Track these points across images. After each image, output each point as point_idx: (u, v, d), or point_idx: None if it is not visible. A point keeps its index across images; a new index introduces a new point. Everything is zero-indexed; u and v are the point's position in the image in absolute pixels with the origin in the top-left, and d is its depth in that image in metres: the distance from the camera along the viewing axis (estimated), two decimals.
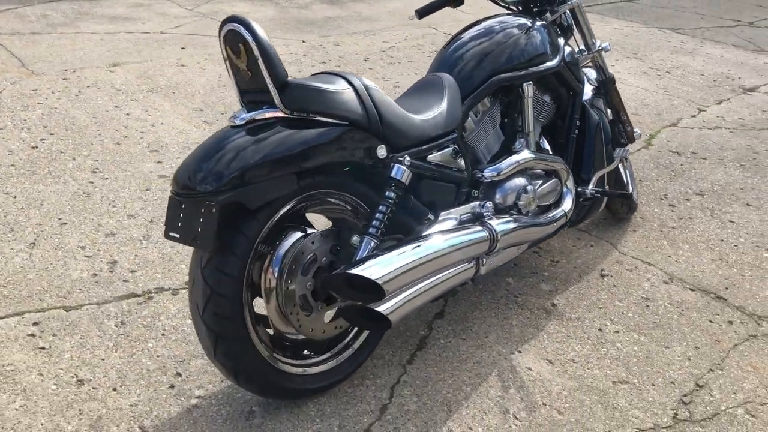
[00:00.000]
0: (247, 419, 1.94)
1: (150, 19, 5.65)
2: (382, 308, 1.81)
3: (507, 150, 2.41)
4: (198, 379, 2.05)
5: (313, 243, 1.88)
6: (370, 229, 1.91)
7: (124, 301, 2.35)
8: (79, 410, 1.92)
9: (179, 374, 2.07)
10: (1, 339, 2.14)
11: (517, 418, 2.02)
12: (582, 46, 2.77)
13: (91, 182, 3.06)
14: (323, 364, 1.99)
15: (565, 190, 2.49)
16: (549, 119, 2.60)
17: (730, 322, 2.52)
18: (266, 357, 1.85)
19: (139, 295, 2.39)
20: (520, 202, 2.31)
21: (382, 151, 1.94)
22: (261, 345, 1.84)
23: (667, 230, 3.10)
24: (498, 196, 2.28)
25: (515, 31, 2.42)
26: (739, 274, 2.82)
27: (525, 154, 2.34)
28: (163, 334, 2.22)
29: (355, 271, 1.73)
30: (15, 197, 2.90)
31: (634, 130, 3.00)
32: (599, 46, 2.76)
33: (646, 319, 2.50)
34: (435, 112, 2.14)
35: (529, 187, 2.34)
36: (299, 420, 1.95)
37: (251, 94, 1.80)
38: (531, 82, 2.40)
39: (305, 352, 2.00)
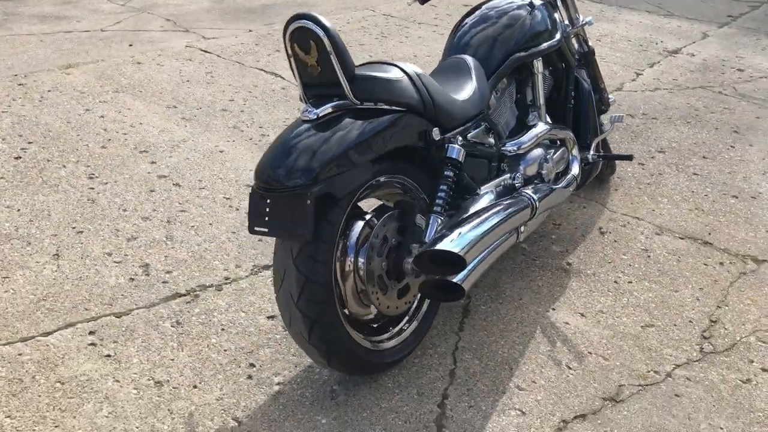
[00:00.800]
0: (331, 398, 2.04)
1: (84, 17, 5.45)
2: (457, 279, 1.94)
3: (522, 124, 2.58)
4: (272, 367, 2.12)
5: (384, 225, 1.99)
6: (436, 208, 2.04)
7: (172, 302, 2.38)
8: (169, 410, 1.95)
9: (252, 365, 2.13)
10: (63, 351, 2.13)
11: (570, 368, 2.21)
12: (567, 21, 2.97)
13: (92, 188, 3.01)
14: (394, 339, 2.11)
15: (571, 157, 2.69)
16: (548, 92, 2.79)
17: (721, 264, 2.81)
18: (353, 337, 1.95)
19: (184, 295, 2.42)
20: (543, 171, 2.49)
21: (436, 133, 2.07)
22: (348, 326, 1.94)
23: (644, 187, 3.37)
24: (523, 168, 2.45)
25: (522, 11, 2.58)
26: (716, 220, 3.13)
27: (542, 127, 2.52)
28: (222, 329, 2.27)
29: (442, 247, 1.86)
30: (18, 210, 2.83)
31: (609, 96, 3.24)
32: (583, 21, 2.97)
33: (651, 269, 2.75)
34: (470, 92, 2.28)
35: (548, 157, 2.52)
36: (379, 393, 2.06)
37: (317, 88, 1.87)
38: (540, 58, 2.57)
39: (377, 329, 2.11)
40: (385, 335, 2.09)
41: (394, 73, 1.98)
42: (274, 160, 1.80)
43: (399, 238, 2.04)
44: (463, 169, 2.13)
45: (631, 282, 2.66)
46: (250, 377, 2.09)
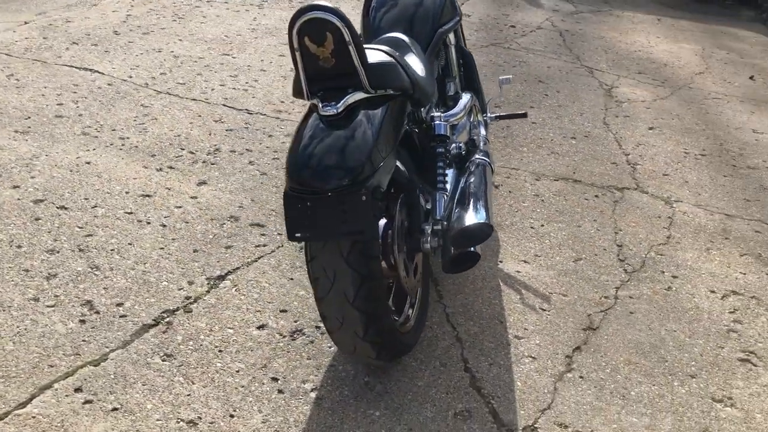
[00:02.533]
0: (370, 390, 2.04)
1: None
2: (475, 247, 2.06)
3: (443, 95, 2.71)
4: (296, 376, 2.05)
5: (401, 211, 2.01)
6: (439, 185, 2.11)
7: (146, 335, 2.14)
8: None
9: (275, 378, 2.03)
10: (59, 419, 1.82)
11: (545, 310, 2.46)
12: None
13: None
14: (411, 320, 2.16)
15: (479, 120, 2.91)
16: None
17: (597, 196, 3.27)
18: (395, 325, 1.97)
19: (154, 325, 2.18)
20: (474, 137, 2.66)
21: (423, 113, 2.12)
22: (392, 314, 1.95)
23: (502, 140, 3.74)
24: (460, 135, 2.60)
25: None
26: (572, 160, 3.60)
27: (466, 96, 2.68)
28: (220, 351, 2.11)
29: (474, 221, 1.94)
30: None
31: None
32: None
33: (550, 210, 3.11)
34: (424, 69, 2.34)
35: (472, 123, 2.70)
36: (409, 374, 2.11)
37: (327, 81, 1.81)
38: (452, 32, 2.72)
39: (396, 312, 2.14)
40: (404, 317, 2.13)
41: (388, 57, 1.98)
42: (313, 160, 1.72)
43: (408, 219, 2.08)
44: (450, 143, 2.21)
45: (543, 225, 2.98)
46: (281, 392, 1.99)
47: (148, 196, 2.83)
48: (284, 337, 2.19)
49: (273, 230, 2.72)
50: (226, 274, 2.44)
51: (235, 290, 2.37)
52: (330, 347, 2.16)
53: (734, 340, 2.42)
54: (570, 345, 2.30)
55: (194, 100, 3.75)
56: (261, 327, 2.22)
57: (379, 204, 1.83)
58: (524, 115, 3.16)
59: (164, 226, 2.66)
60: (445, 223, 2.07)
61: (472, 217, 1.98)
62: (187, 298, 2.31)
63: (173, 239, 2.59)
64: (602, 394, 2.11)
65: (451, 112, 2.57)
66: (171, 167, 3.07)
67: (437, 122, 2.17)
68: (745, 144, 4.09)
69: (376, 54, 1.98)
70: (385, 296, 1.87)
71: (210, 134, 3.41)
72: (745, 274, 2.81)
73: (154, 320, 2.19)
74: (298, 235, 1.74)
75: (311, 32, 1.74)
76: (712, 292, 2.67)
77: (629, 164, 3.64)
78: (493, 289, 2.53)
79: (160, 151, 3.19)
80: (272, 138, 3.44)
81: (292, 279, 2.46)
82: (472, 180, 2.21)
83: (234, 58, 4.41)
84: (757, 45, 6.27)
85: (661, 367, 2.25)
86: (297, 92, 1.88)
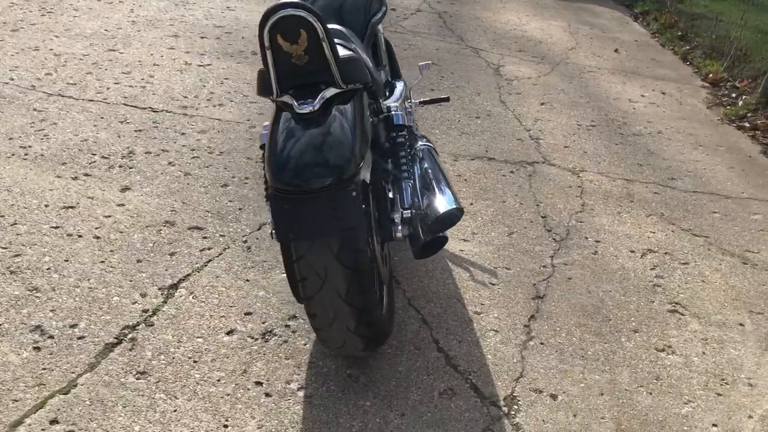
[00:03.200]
0: (355, 382, 2.07)
1: None
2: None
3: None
4: (280, 377, 2.03)
5: (372, 201, 2.04)
6: (404, 174, 2.15)
7: (112, 355, 2.03)
8: None
9: (259, 383, 2.01)
10: None
11: (494, 284, 2.59)
12: None
13: None
14: (385, 307, 2.19)
15: (407, 104, 2.97)
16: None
17: (512, 172, 3.45)
18: (383, 314, 2.00)
19: (117, 343, 2.08)
20: (411, 124, 2.72)
21: (382, 104, 2.15)
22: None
23: (420, 123, 3.82)
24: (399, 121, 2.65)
25: None
26: (482, 139, 3.76)
27: (400, 84, 2.73)
28: (195, 361, 2.05)
29: (446, 208, 2.01)
30: None
31: None
32: None
33: (475, 188, 3.25)
34: (371, 60, 2.36)
35: (407, 109, 2.76)
36: (388, 361, 2.16)
37: (297, 78, 1.80)
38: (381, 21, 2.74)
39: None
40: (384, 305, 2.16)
41: (350, 51, 1.98)
42: (298, 159, 1.71)
43: (377, 210, 2.11)
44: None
45: (472, 204, 3.11)
46: (268, 395, 1.97)
47: (70, 207, 2.65)
48: (256, 339, 2.16)
49: (213, 232, 2.64)
50: (179, 282, 2.35)
51: (193, 298, 2.29)
52: (305, 344, 2.16)
53: (660, 294, 2.66)
54: (525, 315, 2.44)
55: (91, 101, 3.53)
56: (230, 332, 2.17)
57: (366, 195, 1.85)
58: (447, 99, 3.25)
59: (98, 237, 2.51)
60: (414, 210, 2.11)
61: (443, 203, 2.04)
62: (145, 311, 2.20)
63: (111, 251, 2.46)
64: (564, 357, 2.26)
65: (389, 99, 2.61)
66: (87, 174, 2.89)
67: (395, 112, 2.20)
68: (625, 113, 4.45)
69: (339, 49, 1.97)
70: (376, 288, 1.89)
71: (119, 136, 3.23)
72: (654, 233, 3.09)
73: (116, 338, 2.08)
74: (290, 236, 1.72)
75: (284, 30, 1.71)
76: (632, 252, 2.92)
77: (533, 139, 3.85)
78: (444, 270, 2.61)
79: (70, 158, 2.99)
80: (186, 136, 3.31)
81: (248, 280, 2.41)
82: (426, 165, 2.27)
83: (121, 53, 4.18)
84: (613, 20, 6.78)
85: (607, 325, 2.44)
86: (264, 91, 1.85)
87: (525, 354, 2.25)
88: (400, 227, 2.10)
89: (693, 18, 6.53)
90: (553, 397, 2.10)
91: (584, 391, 2.13)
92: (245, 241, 2.61)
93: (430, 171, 2.24)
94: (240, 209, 2.81)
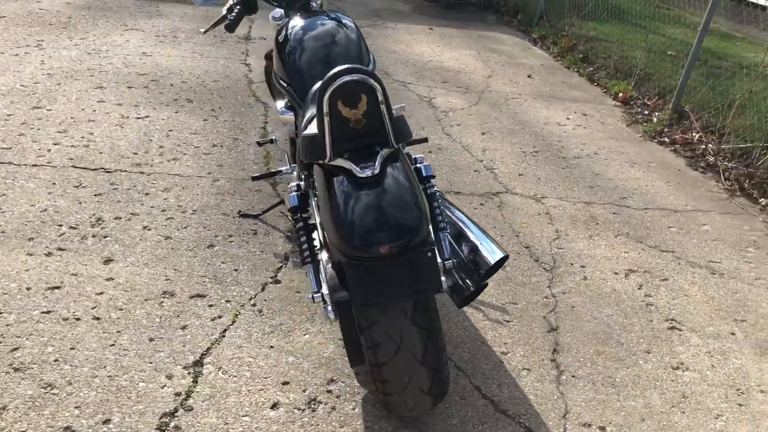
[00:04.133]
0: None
1: None
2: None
3: None
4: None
5: None
6: (441, 225, 2.13)
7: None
8: None
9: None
10: None
11: (507, 321, 2.63)
12: None
13: None
14: None
15: None
16: None
17: (482, 204, 3.52)
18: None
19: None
20: None
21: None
22: None
23: None
24: None
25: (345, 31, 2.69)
26: (442, 173, 3.81)
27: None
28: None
29: (497, 257, 2.02)
30: None
31: None
32: None
33: None
34: None
35: None
36: (438, 416, 2.14)
37: (351, 141, 1.77)
38: None
39: None
40: None
41: (395, 111, 1.97)
42: (372, 225, 1.67)
43: None
44: None
45: None
46: None
47: (56, 288, 2.44)
48: (303, 410, 2.07)
49: (218, 298, 2.52)
50: (202, 358, 2.21)
51: (223, 373, 2.17)
52: (353, 409, 2.09)
53: (655, 312, 2.80)
54: (548, 349, 2.49)
55: (36, 165, 3.26)
56: (275, 406, 2.07)
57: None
58: (425, 140, 3.28)
59: (98, 318, 2.32)
60: (454, 260, 2.11)
61: (490, 252, 2.05)
62: (177, 394, 2.06)
63: (118, 332, 2.28)
64: (597, 387, 2.33)
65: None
66: (61, 249, 2.66)
67: (423, 164, 2.19)
68: (559, 137, 4.67)
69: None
70: (445, 346, 1.87)
71: (80, 203, 3.01)
72: (627, 252, 3.25)
73: (158, 429, 1.93)
74: (369, 303, 1.68)
75: (345, 95, 1.68)
76: (616, 273, 3.05)
77: (488, 170, 3.96)
78: (457, 312, 2.62)
79: (35, 232, 2.74)
80: (151, 196, 3.14)
81: (272, 347, 2.31)
82: (457, 213, 2.27)
83: (49, 110, 3.90)
84: (515, 46, 7.10)
85: (622, 350, 2.54)
86: (314, 155, 1.80)
87: (562, 390, 2.30)
88: (443, 279, 2.08)
89: (586, 40, 6.97)
90: (602, 429, 2.15)
91: (626, 419, 2.20)
92: (254, 305, 2.50)
93: (459, 219, 2.24)
94: (236, 270, 2.69)
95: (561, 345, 2.52)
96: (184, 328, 2.34)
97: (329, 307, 2.04)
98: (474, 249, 2.08)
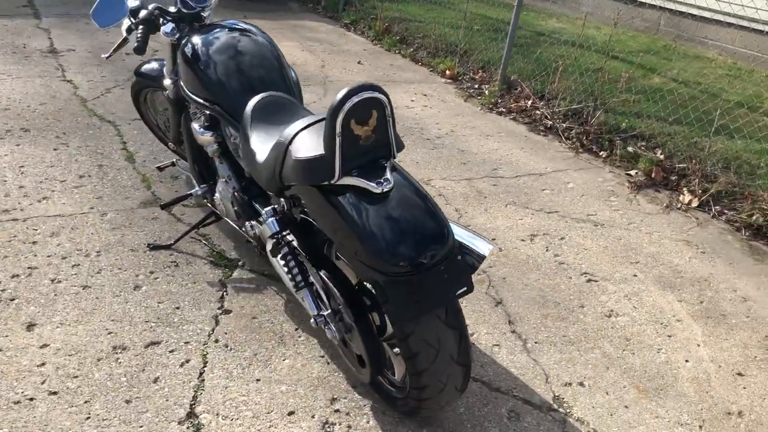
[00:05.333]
0: (440, 428, 2.09)
1: None
2: None
3: None
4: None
5: None
6: None
7: None
8: None
9: None
10: None
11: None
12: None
13: None
14: None
15: None
16: None
17: None
18: None
19: None
20: None
21: None
22: None
23: None
24: None
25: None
26: None
27: None
28: None
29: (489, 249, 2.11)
30: None
31: None
32: None
33: None
34: None
35: None
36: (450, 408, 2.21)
37: (360, 157, 1.76)
38: None
39: None
40: None
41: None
42: (410, 239, 1.68)
43: None
44: None
45: None
46: None
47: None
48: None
49: (175, 341, 2.35)
50: (193, 408, 2.07)
51: (223, 419, 2.05)
52: (368, 422, 2.10)
53: (569, 269, 3.09)
54: (504, 322, 2.65)
55: None
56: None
57: None
58: None
59: (55, 393, 2.07)
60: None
61: (479, 246, 2.13)
62: None
63: (86, 402, 2.05)
64: (559, 347, 2.54)
65: None
66: None
67: None
68: (414, 120, 4.86)
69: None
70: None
71: None
72: (522, 219, 3.52)
73: None
74: (419, 314, 1.70)
75: (358, 113, 1.67)
76: (522, 240, 3.31)
77: None
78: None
79: None
80: (41, 245, 2.80)
81: (258, 380, 2.22)
82: None
83: None
84: (332, 33, 7.18)
85: (561, 309, 2.78)
86: (318, 178, 1.76)
87: (534, 357, 2.47)
88: None
89: (400, 21, 7.24)
90: (582, 385, 2.36)
91: (595, 371, 2.44)
92: (217, 341, 2.37)
93: None
94: (178, 308, 2.52)
95: (512, 316, 2.69)
96: (156, 380, 2.16)
97: (333, 327, 2.01)
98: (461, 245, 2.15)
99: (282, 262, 2.12)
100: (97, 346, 2.27)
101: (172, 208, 3.14)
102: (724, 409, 2.32)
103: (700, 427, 2.23)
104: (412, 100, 5.26)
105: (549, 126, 4.92)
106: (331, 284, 1.98)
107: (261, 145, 2.18)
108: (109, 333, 2.34)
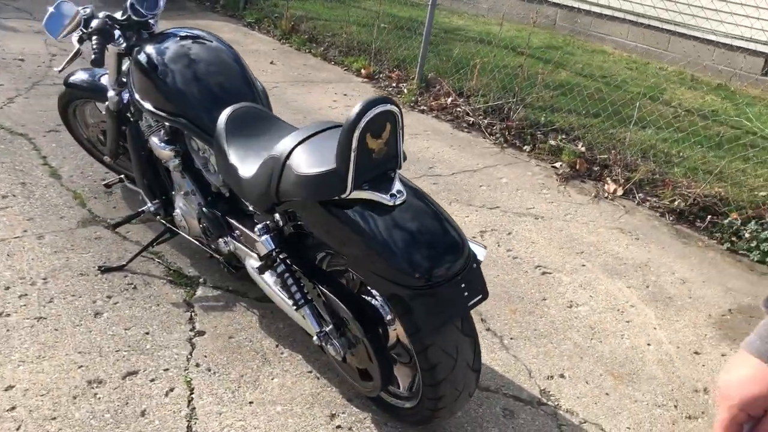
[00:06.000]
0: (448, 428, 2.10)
1: None
2: None
3: None
4: None
5: None
6: None
7: None
8: None
9: None
10: None
11: None
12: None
13: None
14: None
15: None
16: None
17: None
18: None
19: None
20: None
21: None
22: None
23: None
24: None
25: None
26: None
27: None
28: None
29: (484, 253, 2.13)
30: None
31: None
32: None
33: None
34: None
35: None
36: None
37: (371, 171, 1.73)
38: None
39: None
40: None
41: None
42: (432, 251, 1.68)
43: None
44: None
45: None
46: None
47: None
48: None
49: (153, 369, 2.22)
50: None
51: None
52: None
53: (524, 263, 3.18)
54: (478, 320, 2.70)
55: None
56: None
57: None
58: None
59: None
60: None
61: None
62: None
63: None
64: (533, 341, 2.62)
65: None
66: None
67: None
68: (344, 118, 4.82)
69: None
70: None
71: None
72: (468, 216, 3.59)
73: None
74: (435, 326, 1.70)
75: (373, 127, 1.64)
76: (474, 237, 3.37)
77: None
78: None
79: None
80: None
81: (251, 402, 2.14)
82: None
83: None
84: (237, 33, 7.00)
85: (526, 303, 2.87)
86: (328, 193, 1.72)
87: (513, 353, 2.53)
88: None
89: (307, 20, 7.15)
90: (562, 377, 2.45)
91: (571, 361, 2.53)
92: (198, 365, 2.27)
93: None
94: (147, 333, 2.39)
95: (484, 314, 2.74)
96: (143, 413, 2.03)
97: (336, 343, 1.98)
98: None
99: (277, 280, 2.05)
100: (69, 382, 2.11)
101: (96, 226, 2.95)
102: (692, 388, 2.48)
103: (675, 406, 2.37)
104: (334, 101, 5.22)
105: (471, 123, 5.03)
106: (335, 298, 1.94)
107: (243, 159, 2.09)
108: (80, 366, 2.17)
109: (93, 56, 2.26)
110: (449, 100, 5.29)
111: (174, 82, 2.30)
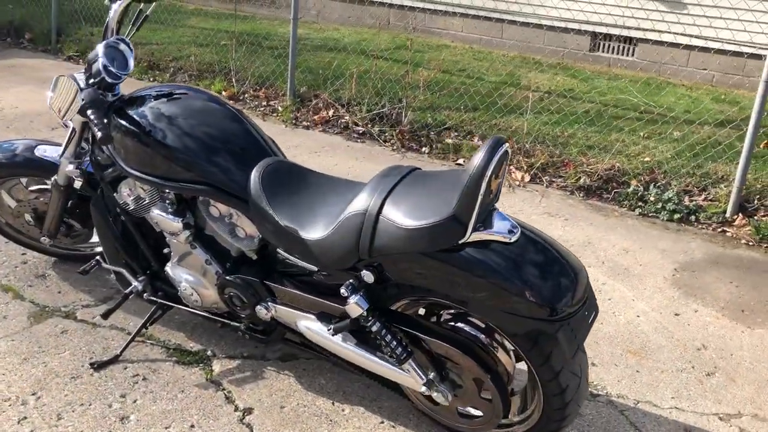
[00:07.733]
0: None
1: None
2: None
3: None
4: None
5: None
6: None
7: None
8: None
9: None
10: None
11: None
12: None
13: None
14: None
15: None
16: None
17: None
18: None
19: None
20: None
21: None
22: None
23: None
24: None
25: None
26: None
27: None
28: None
29: None
30: None
31: None
32: None
33: None
34: None
35: None
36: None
37: (483, 212, 1.73)
38: None
39: None
40: None
41: None
42: (564, 281, 1.71)
43: None
44: None
45: None
46: None
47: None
48: None
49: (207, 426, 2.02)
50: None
51: None
52: None
53: None
54: None
55: None
56: None
57: None
58: None
59: None
60: None
61: None
62: None
63: None
64: None
65: None
66: None
67: None
68: None
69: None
70: None
71: None
72: None
73: None
74: (575, 352, 1.74)
75: (498, 167, 1.64)
76: None
77: None
78: None
79: None
80: None
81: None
82: None
83: None
84: (60, 68, 6.34)
85: None
86: (446, 242, 1.70)
87: None
88: None
89: (142, 45, 6.64)
90: (594, 365, 2.59)
91: (590, 348, 2.69)
92: (241, 420, 2.09)
93: None
94: (192, 426, 2.16)
95: None
96: None
97: (444, 388, 1.94)
98: None
99: (379, 337, 1.94)
100: None
101: (109, 315, 2.56)
102: (693, 347, 2.75)
103: (693, 367, 2.62)
104: None
105: (362, 132, 5.04)
106: (440, 341, 1.89)
107: (300, 220, 1.95)
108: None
109: (100, 134, 1.97)
110: (331, 112, 5.25)
111: (186, 148, 2.08)
